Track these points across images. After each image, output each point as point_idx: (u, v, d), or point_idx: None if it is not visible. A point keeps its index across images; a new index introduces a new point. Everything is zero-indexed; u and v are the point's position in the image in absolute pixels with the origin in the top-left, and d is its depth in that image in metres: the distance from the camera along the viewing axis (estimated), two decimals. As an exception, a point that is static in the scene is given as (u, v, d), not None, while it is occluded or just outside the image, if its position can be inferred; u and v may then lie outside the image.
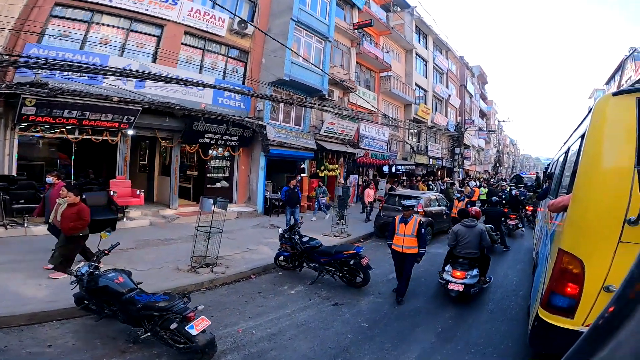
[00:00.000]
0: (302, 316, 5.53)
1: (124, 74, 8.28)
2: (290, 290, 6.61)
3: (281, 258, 7.49)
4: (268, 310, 5.68)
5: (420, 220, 6.36)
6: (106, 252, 4.61)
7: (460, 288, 5.97)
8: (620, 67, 33.38)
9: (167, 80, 7.88)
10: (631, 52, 30.80)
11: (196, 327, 3.56)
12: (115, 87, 9.16)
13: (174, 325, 3.58)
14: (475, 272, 6.15)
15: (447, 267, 6.33)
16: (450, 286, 6.06)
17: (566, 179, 4.15)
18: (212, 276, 6.77)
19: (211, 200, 6.69)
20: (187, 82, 9.22)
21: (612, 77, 36.52)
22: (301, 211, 14.84)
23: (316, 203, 13.82)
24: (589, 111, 3.15)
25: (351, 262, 6.45)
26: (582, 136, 3.24)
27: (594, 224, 2.81)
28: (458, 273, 6.04)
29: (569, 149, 4.55)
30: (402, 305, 6.03)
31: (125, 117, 9.46)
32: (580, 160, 2.98)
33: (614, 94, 2.90)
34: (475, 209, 8.01)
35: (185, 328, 3.54)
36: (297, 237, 7.05)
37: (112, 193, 9.48)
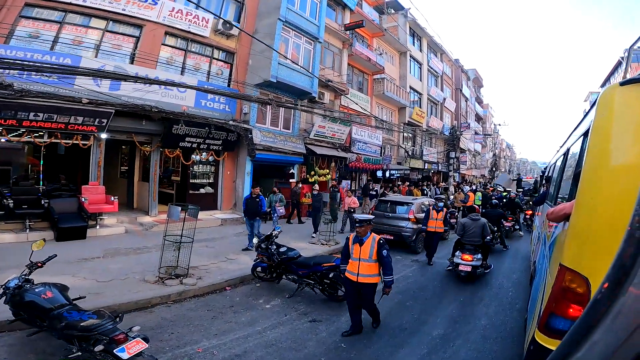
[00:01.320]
0: (273, 334, 4.98)
1: (92, 73, 7.77)
2: (266, 305, 6.07)
3: (259, 269, 6.96)
4: (237, 327, 5.15)
5: (380, 239, 4.83)
6: (39, 264, 4.15)
7: (469, 269, 7.36)
8: (617, 69, 33.18)
9: (131, 79, 7.37)
10: (626, 53, 30.58)
11: (128, 351, 3.12)
12: (86, 88, 8.68)
13: (99, 348, 3.17)
14: (479, 256, 7.51)
15: (457, 253, 7.65)
16: (461, 267, 7.43)
17: (566, 183, 3.70)
18: (181, 288, 6.25)
19: (179, 208, 6.17)
20: (161, 83, 8.75)
21: (608, 79, 36.30)
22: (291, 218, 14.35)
23: (273, 213, 11.11)
24: (593, 104, 2.72)
25: (330, 275, 5.91)
26: (585, 134, 2.84)
27: (602, 235, 2.30)
28: (467, 256, 7.42)
29: (568, 150, 4.11)
30: (386, 322, 5.48)
31: (97, 119, 8.95)
32: (584, 162, 2.57)
33: (622, 84, 2.46)
34: (476, 207, 10.01)
35: (115, 351, 3.10)
36: (274, 247, 6.52)
37: (82, 199, 8.97)
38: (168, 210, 6.42)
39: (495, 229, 10.37)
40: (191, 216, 6.58)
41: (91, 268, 6.83)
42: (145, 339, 3.42)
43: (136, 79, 8.59)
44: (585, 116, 3.28)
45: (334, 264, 5.84)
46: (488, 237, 7.78)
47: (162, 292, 6.04)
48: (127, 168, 13.17)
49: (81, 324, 3.30)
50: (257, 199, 9.06)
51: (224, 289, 6.73)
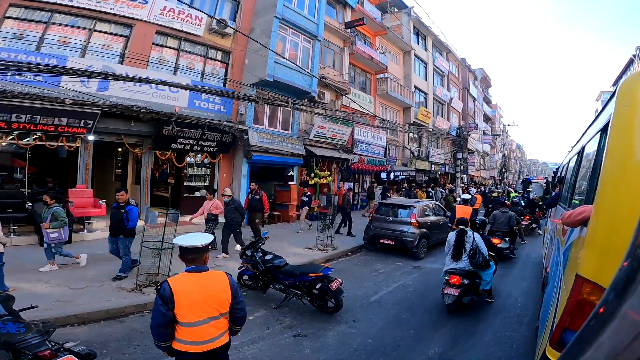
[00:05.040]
0: (251, 350, 4.53)
1: (77, 73, 7.45)
2: (249, 316, 5.56)
3: (245, 277, 6.52)
4: (213, 344, 4.69)
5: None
6: None
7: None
8: (629, 67, 32.16)
9: (114, 78, 7.01)
10: (638, 50, 29.62)
11: None
12: (71, 89, 8.36)
13: None
14: (507, 239, 9.61)
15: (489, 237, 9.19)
16: None
17: (581, 184, 3.47)
18: (159, 297, 5.83)
19: (156, 212, 5.78)
20: (146, 81, 8.38)
21: (620, 77, 35.23)
22: (290, 221, 13.87)
23: (46, 237, 6.56)
24: (612, 95, 2.48)
25: (318, 286, 5.43)
26: (603, 129, 2.62)
27: (626, 242, 1.83)
28: (496, 240, 8.88)
29: (583, 148, 3.83)
30: (379, 337, 4.97)
31: (83, 121, 8.63)
32: (603, 160, 2.30)
33: None
34: (507, 203, 11.40)
35: None
36: (260, 254, 6.06)
37: (68, 203, 8.64)
38: (145, 214, 6.02)
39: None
40: (172, 221, 6.18)
41: (68, 274, 6.51)
42: (89, 355, 3.07)
43: (124, 78, 8.27)
44: (602, 109, 3.00)
45: (321, 274, 5.36)
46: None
47: (138, 301, 5.66)
48: (120, 171, 12.87)
49: (3, 339, 2.96)
50: (123, 210, 6.48)
51: (207, 298, 6.32)
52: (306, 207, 12.45)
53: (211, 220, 8.78)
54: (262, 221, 10.01)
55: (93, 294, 5.76)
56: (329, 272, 5.42)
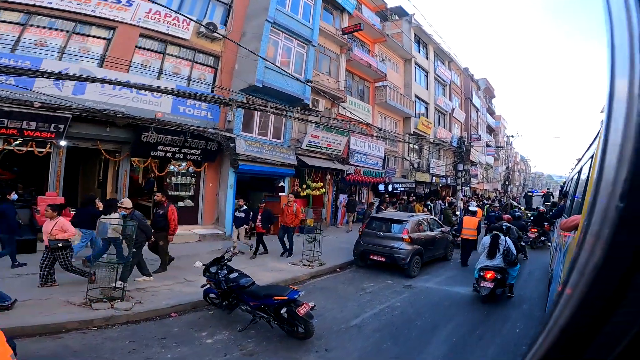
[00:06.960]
0: (200, 385, 3.90)
1: (37, 74, 7.01)
2: (208, 339, 4.99)
3: (212, 295, 5.91)
4: (155, 369, 4.10)
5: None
6: None
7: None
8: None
9: (83, 80, 6.55)
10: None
11: None
12: (43, 93, 7.90)
13: None
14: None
15: None
16: None
17: (579, 198, 4.12)
18: (110, 313, 5.34)
19: (108, 224, 5.21)
20: (115, 82, 7.93)
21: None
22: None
23: None
24: (597, 135, 3.17)
25: (282, 311, 4.79)
26: (592, 157, 3.26)
27: None
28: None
29: (581, 168, 4.57)
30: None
31: (53, 125, 8.17)
32: (590, 179, 2.94)
33: None
34: (507, 216, 11.96)
35: None
36: (225, 272, 5.45)
37: (35, 211, 8.16)
38: (97, 226, 5.46)
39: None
40: (129, 233, 5.63)
41: (18, 285, 5.96)
42: None
43: (99, 80, 7.86)
44: (594, 140, 3.66)
45: (286, 297, 4.72)
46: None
47: (83, 317, 5.15)
48: (101, 178, 12.38)
49: None
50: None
51: (168, 316, 5.77)
52: (244, 225, 9.66)
53: (56, 249, 5.85)
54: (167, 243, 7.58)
55: (36, 307, 5.24)
56: (296, 296, 4.77)
